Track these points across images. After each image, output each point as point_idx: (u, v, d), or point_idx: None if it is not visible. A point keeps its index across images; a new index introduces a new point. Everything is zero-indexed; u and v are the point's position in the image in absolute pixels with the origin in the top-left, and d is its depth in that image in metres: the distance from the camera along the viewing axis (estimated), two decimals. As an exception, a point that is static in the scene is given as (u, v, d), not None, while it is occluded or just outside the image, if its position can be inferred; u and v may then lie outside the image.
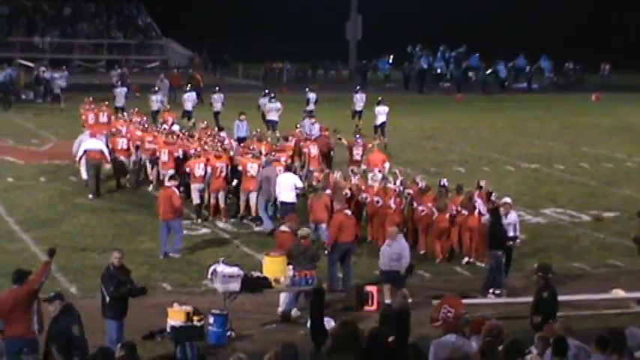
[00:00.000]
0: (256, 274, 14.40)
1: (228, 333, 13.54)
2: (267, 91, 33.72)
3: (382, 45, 58.23)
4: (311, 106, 34.27)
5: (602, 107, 45.22)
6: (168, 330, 13.36)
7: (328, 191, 18.57)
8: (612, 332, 9.47)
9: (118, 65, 48.71)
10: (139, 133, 24.68)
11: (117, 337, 12.23)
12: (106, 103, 30.52)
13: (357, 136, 24.20)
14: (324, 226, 17.74)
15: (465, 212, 17.69)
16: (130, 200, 22.48)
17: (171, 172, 20.93)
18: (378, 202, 18.77)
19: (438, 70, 58.77)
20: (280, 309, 14.60)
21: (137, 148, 23.86)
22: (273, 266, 14.47)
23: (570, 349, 9.60)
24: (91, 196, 22.54)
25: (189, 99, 34.03)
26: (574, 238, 19.74)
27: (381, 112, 31.19)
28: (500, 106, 45.80)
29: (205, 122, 26.76)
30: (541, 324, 11.86)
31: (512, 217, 16.61)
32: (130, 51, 60.76)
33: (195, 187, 20.60)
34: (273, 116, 30.90)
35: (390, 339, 9.34)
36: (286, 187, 19.19)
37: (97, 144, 23.06)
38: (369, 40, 58.54)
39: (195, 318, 13.40)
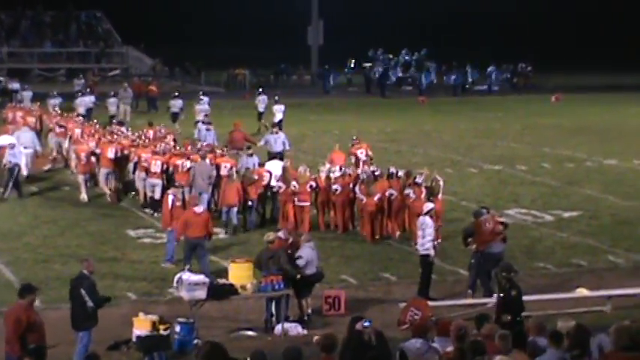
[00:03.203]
0: (222, 281, 14.33)
1: (195, 341, 13.46)
2: (177, 93, 37.23)
3: (344, 49, 58.37)
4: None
5: (563, 108, 45.68)
6: (134, 340, 13.27)
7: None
8: (578, 327, 9.53)
9: (82, 74, 48.51)
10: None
11: (88, 347, 12.18)
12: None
13: (354, 138, 25.54)
14: (235, 209, 20.07)
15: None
16: (93, 210, 22.29)
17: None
18: (336, 190, 20.11)
19: (399, 74, 59.01)
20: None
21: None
22: (239, 272, 14.42)
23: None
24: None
25: (82, 103, 35.71)
26: (537, 238, 19.90)
27: (279, 110, 33.51)
28: (461, 108, 46.08)
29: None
30: (511, 323, 11.89)
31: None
32: (91, 59, 60.32)
33: (150, 182, 21.65)
34: (200, 117, 32.70)
35: None
36: (275, 169, 21.05)
37: (10, 140, 24.76)
38: (331, 44, 58.67)
39: (162, 327, 13.33)
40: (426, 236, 15.78)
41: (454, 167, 28.04)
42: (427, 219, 16.01)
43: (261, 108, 35.90)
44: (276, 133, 25.91)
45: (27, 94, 39.25)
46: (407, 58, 60.52)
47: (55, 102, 35.22)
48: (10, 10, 62.53)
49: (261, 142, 26.36)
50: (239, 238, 19.67)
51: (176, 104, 35.88)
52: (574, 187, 25.39)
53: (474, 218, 16.22)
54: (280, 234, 15.45)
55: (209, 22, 71.01)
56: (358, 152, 24.58)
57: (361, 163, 23.35)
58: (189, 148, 23.36)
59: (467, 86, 55.31)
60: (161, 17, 70.99)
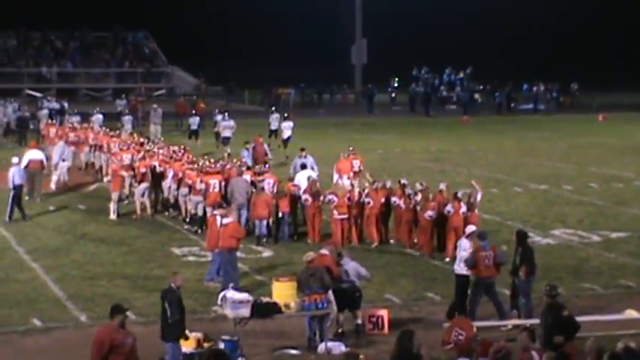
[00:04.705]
0: (266, 299, 14.35)
1: (239, 359, 13.48)
2: (194, 111, 39.49)
3: (388, 68, 58.43)
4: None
5: (609, 127, 45.19)
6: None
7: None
8: (628, 350, 9.37)
9: (125, 95, 49.27)
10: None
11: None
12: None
13: (350, 148, 26.35)
14: (265, 222, 20.66)
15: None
16: (139, 227, 22.50)
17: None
18: (369, 202, 20.58)
19: (444, 93, 58.90)
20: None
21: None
22: (283, 291, 14.43)
23: None
24: (27, 197, 24.40)
25: (97, 120, 36.52)
26: (584, 259, 19.65)
27: (287, 127, 34.57)
28: (506, 127, 45.83)
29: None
30: (563, 343, 11.68)
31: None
32: (137, 79, 61.08)
33: (195, 200, 21.86)
34: (227, 133, 34.56)
35: None
36: (304, 181, 22.01)
37: (39, 154, 25.79)
38: (375, 63, 58.75)
39: (206, 344, 13.40)
40: (462, 257, 15.65)
41: (499, 187, 27.84)
42: (464, 241, 15.88)
43: (273, 126, 36.54)
44: (305, 157, 25.32)
45: (44, 113, 40.39)
46: (451, 77, 60.38)
47: (75, 119, 36.53)
48: (59, 31, 63.65)
49: (291, 170, 25.78)
50: (283, 258, 19.70)
51: (194, 121, 37.16)
52: (622, 207, 25.06)
53: (515, 237, 16.01)
54: (324, 251, 15.41)
55: (253, 42, 71.58)
56: (354, 162, 25.23)
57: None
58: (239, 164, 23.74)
59: (512, 105, 55.01)
60: (205, 37, 71.70)
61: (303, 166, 23.77)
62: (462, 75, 59.84)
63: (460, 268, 15.67)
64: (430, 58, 60.69)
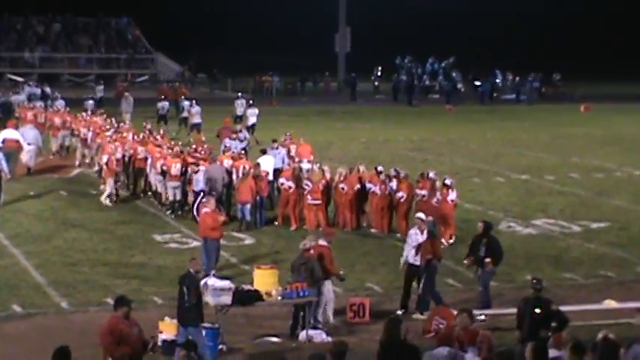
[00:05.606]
0: (247, 287, 14.35)
1: (220, 347, 13.47)
2: (163, 96, 40.12)
3: (371, 57, 58.41)
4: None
5: (592, 118, 45.38)
6: (159, 344, 13.31)
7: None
8: (607, 340, 9.44)
9: (102, 80, 49.14)
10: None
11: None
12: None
13: (288, 134, 26.46)
14: (248, 206, 20.67)
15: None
16: (121, 214, 22.43)
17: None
18: (343, 188, 20.72)
19: (427, 82, 58.94)
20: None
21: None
22: (265, 279, 14.43)
23: None
24: (9, 176, 24.07)
25: (60, 106, 36.15)
26: (565, 249, 19.76)
27: (252, 114, 34.88)
28: (489, 117, 45.93)
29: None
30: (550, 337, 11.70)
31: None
32: (120, 65, 60.80)
33: (170, 185, 21.98)
34: (197, 119, 34.82)
35: None
36: (266, 165, 22.19)
37: (14, 134, 26.16)
38: (358, 52, 58.74)
39: (187, 332, 13.36)
40: (409, 246, 15.62)
41: (481, 176, 27.93)
42: (412, 230, 15.87)
43: (239, 112, 36.65)
44: (277, 148, 24.81)
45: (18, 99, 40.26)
46: (434, 66, 60.41)
47: (39, 104, 36.61)
48: (41, 15, 63.20)
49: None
50: (265, 245, 19.70)
51: (163, 107, 37.31)
52: (603, 197, 25.20)
53: (483, 225, 15.94)
54: (322, 242, 15.30)
55: (237, 30, 71.36)
56: (291, 147, 25.48)
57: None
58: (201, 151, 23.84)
59: (495, 94, 55.11)
60: (189, 24, 71.41)
61: (264, 152, 23.74)
62: (444, 64, 59.87)
63: (411, 258, 15.58)
64: (413, 47, 60.69)
